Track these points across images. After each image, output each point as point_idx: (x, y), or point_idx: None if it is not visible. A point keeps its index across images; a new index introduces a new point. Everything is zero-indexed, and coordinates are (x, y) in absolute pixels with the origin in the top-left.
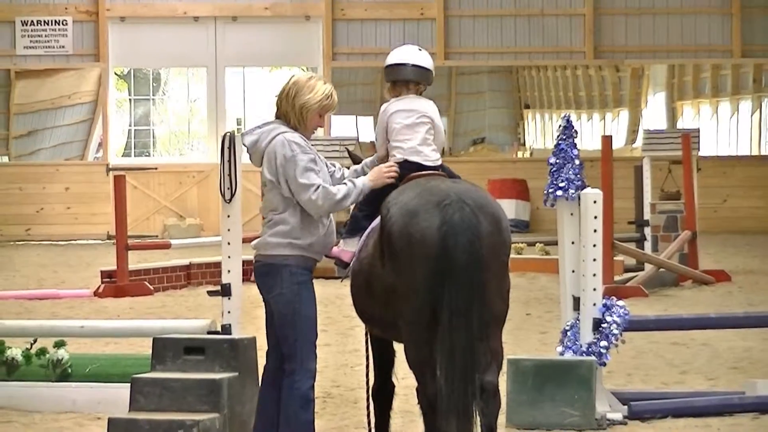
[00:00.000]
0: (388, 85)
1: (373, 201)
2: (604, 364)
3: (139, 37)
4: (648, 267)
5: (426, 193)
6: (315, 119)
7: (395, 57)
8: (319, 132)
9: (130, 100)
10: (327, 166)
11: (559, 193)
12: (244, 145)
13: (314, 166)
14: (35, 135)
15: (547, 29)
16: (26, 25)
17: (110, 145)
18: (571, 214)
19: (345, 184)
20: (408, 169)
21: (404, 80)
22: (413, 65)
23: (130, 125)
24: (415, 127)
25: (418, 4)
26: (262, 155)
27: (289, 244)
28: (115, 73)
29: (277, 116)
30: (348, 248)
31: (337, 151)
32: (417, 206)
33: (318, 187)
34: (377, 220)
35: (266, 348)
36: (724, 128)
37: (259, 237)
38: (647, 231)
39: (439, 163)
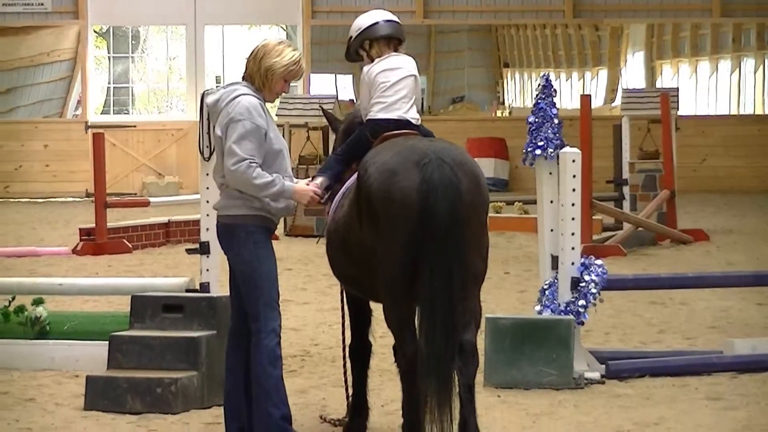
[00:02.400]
0: (363, 52)
1: (352, 149)
2: (582, 323)
3: None
4: (626, 226)
5: (405, 152)
6: (279, 83)
7: (368, 19)
8: (298, 90)
9: (109, 57)
10: (283, 148)
11: (538, 152)
12: (206, 105)
13: (255, 137)
14: (14, 92)
15: None
16: None
17: (89, 103)
18: (550, 173)
19: (276, 176)
20: (384, 127)
21: (386, 36)
22: (387, 20)
23: (109, 83)
24: (401, 82)
25: None
26: (219, 115)
27: (243, 204)
28: (94, 31)
29: (243, 77)
30: (316, 182)
31: (315, 109)
32: (396, 165)
33: (244, 160)
34: (352, 180)
35: None
36: (703, 88)
37: None
38: (626, 190)
39: (418, 121)
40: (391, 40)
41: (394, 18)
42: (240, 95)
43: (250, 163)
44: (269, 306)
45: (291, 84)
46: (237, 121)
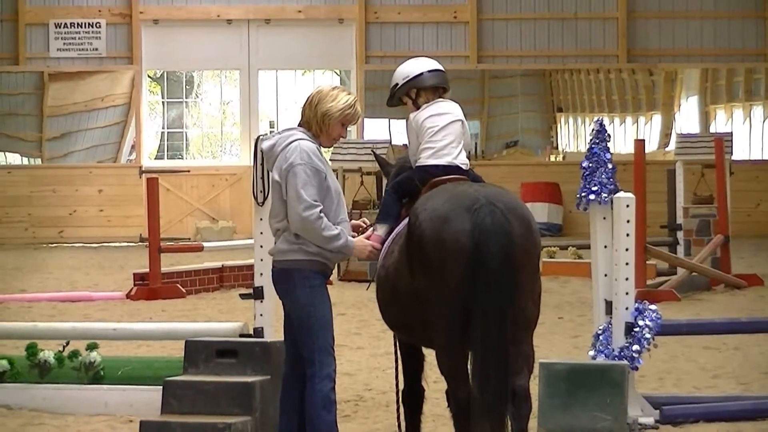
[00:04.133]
0: (408, 100)
1: (404, 190)
2: (637, 368)
3: (173, 39)
4: (680, 271)
5: (455, 197)
6: (337, 128)
7: (414, 67)
8: (352, 135)
9: (163, 102)
10: (339, 192)
11: (592, 196)
12: (261, 150)
13: (316, 181)
14: (68, 137)
15: (580, 32)
16: (60, 27)
17: (143, 148)
18: (604, 218)
19: (341, 230)
20: (433, 174)
21: (433, 86)
22: (432, 70)
23: (163, 128)
24: (448, 128)
25: (451, 7)
26: (276, 160)
27: (300, 249)
28: (148, 76)
29: (300, 124)
30: (379, 233)
31: (369, 154)
32: (447, 211)
33: (315, 207)
34: (402, 226)
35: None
36: (757, 132)
37: None
38: (680, 235)
39: (468, 166)
40: (438, 89)
41: (440, 67)
42: (297, 140)
43: (320, 211)
44: (324, 351)
45: (347, 128)
46: (297, 165)
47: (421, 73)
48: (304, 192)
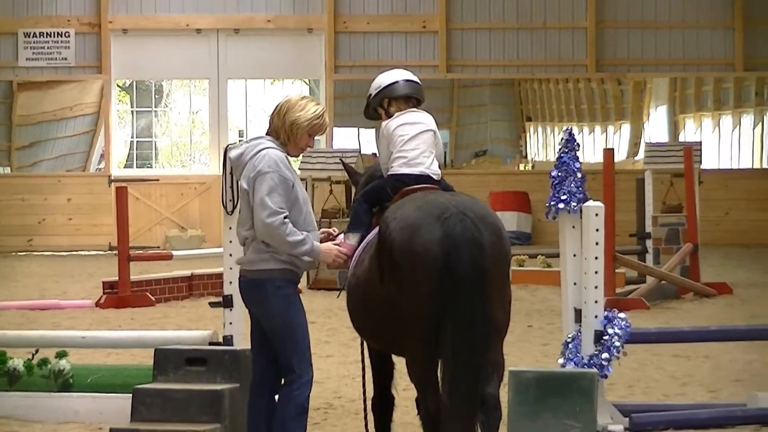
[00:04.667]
0: (381, 110)
1: (375, 198)
2: (606, 376)
3: (142, 49)
4: (649, 279)
5: (426, 206)
6: (304, 138)
7: (388, 78)
8: (321, 144)
9: (132, 111)
10: (307, 203)
11: (561, 205)
12: (229, 159)
13: (283, 189)
14: (37, 146)
15: (549, 42)
16: (29, 36)
17: (112, 157)
18: (573, 226)
19: (306, 235)
20: (405, 182)
21: (405, 95)
22: (407, 80)
23: (132, 137)
24: (420, 137)
25: (420, 17)
26: (244, 169)
27: (271, 257)
28: (118, 85)
29: (268, 133)
30: (351, 242)
31: (338, 163)
32: (418, 220)
33: (279, 214)
34: (372, 235)
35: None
36: (726, 141)
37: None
38: (649, 243)
39: (439, 176)
40: (410, 99)
41: (415, 78)
42: (265, 148)
43: (285, 218)
44: (303, 358)
45: (315, 138)
46: (265, 173)
47: (395, 82)
48: (269, 199)
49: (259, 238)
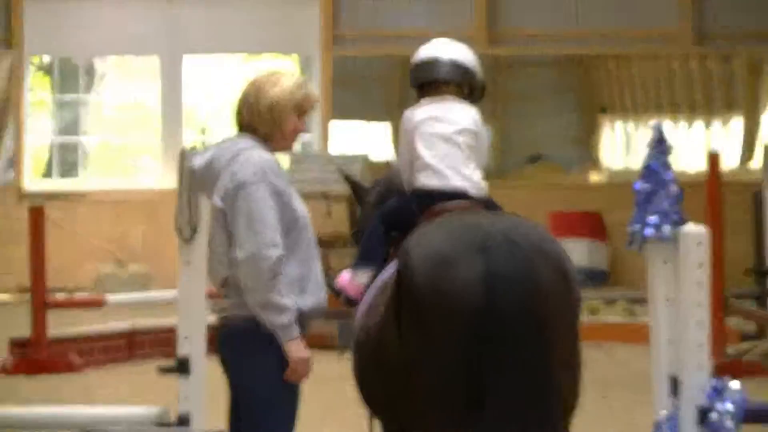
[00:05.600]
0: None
1: (395, 218)
2: None
3: (67, 17)
4: None
5: (461, 232)
6: (291, 120)
7: (423, 53)
8: (313, 145)
9: (53, 100)
10: (307, 224)
11: (650, 231)
12: (192, 168)
13: (276, 205)
14: None
15: (631, 5)
16: None
17: (24, 164)
18: (665, 261)
19: (294, 307)
20: (433, 198)
21: (434, 80)
22: (445, 59)
23: (52, 135)
24: (453, 140)
25: None
26: (217, 180)
27: None
28: (33, 64)
29: (241, 130)
30: (359, 280)
31: (337, 173)
32: (449, 250)
33: (275, 248)
34: (389, 271)
35: None
36: None
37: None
38: None
39: (483, 190)
40: (440, 83)
41: (459, 51)
42: (245, 149)
43: (279, 257)
44: None
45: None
46: (250, 184)
47: (418, 64)
48: (261, 225)
49: (237, 273)
